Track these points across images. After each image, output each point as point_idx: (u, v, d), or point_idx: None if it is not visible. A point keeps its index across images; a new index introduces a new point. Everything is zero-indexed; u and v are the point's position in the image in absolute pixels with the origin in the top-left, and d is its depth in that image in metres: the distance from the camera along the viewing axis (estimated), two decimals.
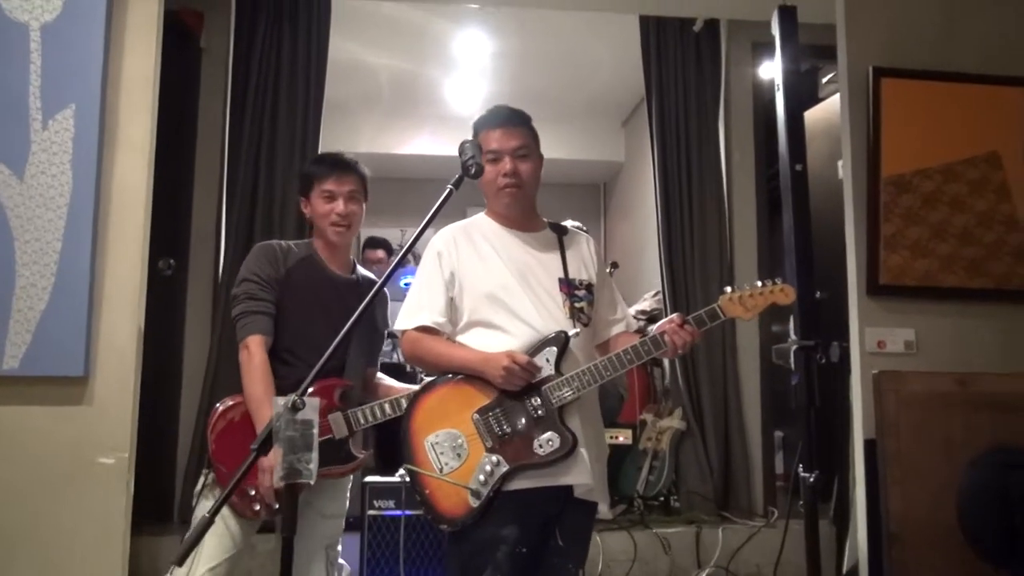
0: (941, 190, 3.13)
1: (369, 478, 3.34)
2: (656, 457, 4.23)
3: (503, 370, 2.01)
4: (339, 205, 2.48)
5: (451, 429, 2.07)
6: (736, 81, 4.63)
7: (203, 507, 2.32)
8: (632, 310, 2.56)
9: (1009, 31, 3.25)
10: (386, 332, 2.73)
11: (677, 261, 4.44)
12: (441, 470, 2.04)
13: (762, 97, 4.60)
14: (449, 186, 1.92)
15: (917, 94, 3.16)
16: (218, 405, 2.39)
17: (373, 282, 2.56)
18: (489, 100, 5.56)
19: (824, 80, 4.78)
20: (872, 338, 3.07)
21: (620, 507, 4.05)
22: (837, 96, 3.40)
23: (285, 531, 1.67)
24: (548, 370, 2.08)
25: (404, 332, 2.22)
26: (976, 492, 2.89)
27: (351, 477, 2.58)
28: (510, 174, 2.20)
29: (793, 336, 2.96)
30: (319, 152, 4.13)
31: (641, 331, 2.33)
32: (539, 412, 2.06)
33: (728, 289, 2.15)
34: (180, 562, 1.72)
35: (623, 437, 4.23)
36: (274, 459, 1.64)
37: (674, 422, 4.28)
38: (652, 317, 4.61)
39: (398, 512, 3.29)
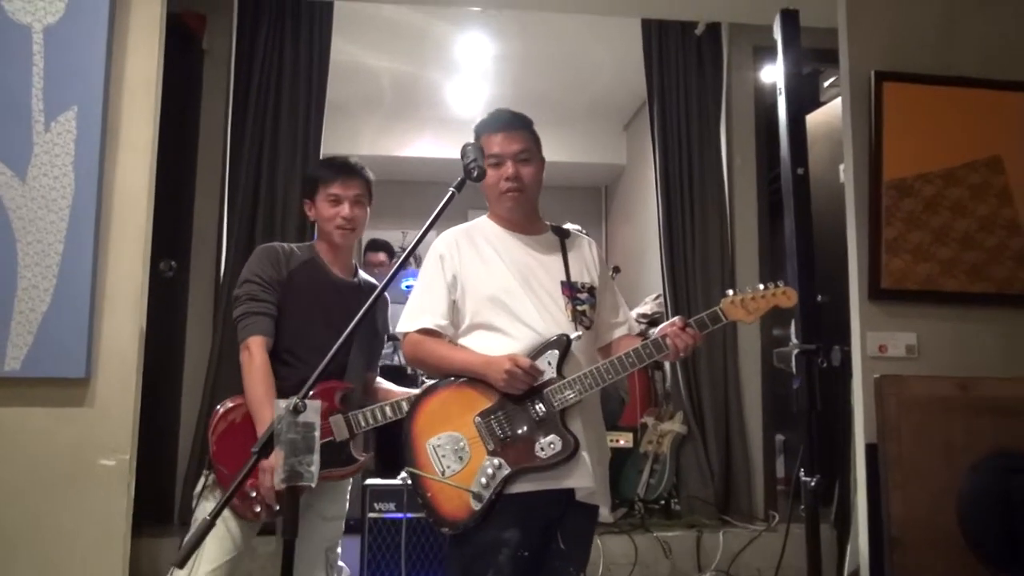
0: (943, 194, 3.13)
1: (370, 480, 3.34)
2: (657, 460, 4.22)
3: (505, 373, 2.01)
4: (344, 209, 2.49)
5: (453, 432, 2.07)
6: (738, 85, 4.64)
7: (203, 508, 2.32)
8: (633, 313, 2.56)
9: (1011, 35, 3.25)
10: (386, 336, 2.73)
11: (678, 264, 4.44)
12: (443, 473, 2.04)
13: (763, 101, 4.60)
14: (451, 189, 1.91)
15: (919, 98, 3.17)
16: (219, 407, 2.39)
17: (374, 286, 2.56)
18: (490, 103, 5.58)
19: (826, 84, 4.78)
20: (873, 342, 3.07)
21: (621, 510, 4.05)
22: (839, 100, 3.40)
23: (286, 534, 1.66)
24: (550, 373, 2.08)
25: (406, 334, 2.21)
26: (977, 496, 2.89)
27: (351, 479, 2.58)
28: (512, 178, 2.20)
29: (794, 340, 2.95)
30: (320, 154, 4.14)
31: (642, 334, 2.33)
32: (541, 415, 2.05)
33: (730, 292, 2.15)
34: (181, 564, 1.71)
35: (624, 440, 4.23)
36: (275, 460, 1.64)
37: (675, 425, 4.28)
38: (653, 320, 4.61)
39: (399, 515, 3.29)
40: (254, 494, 2.22)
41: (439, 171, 5.44)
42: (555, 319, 2.15)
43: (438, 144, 6.53)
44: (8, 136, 2.72)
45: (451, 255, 2.22)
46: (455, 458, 2.05)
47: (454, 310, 2.21)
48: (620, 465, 4.18)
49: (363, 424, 2.38)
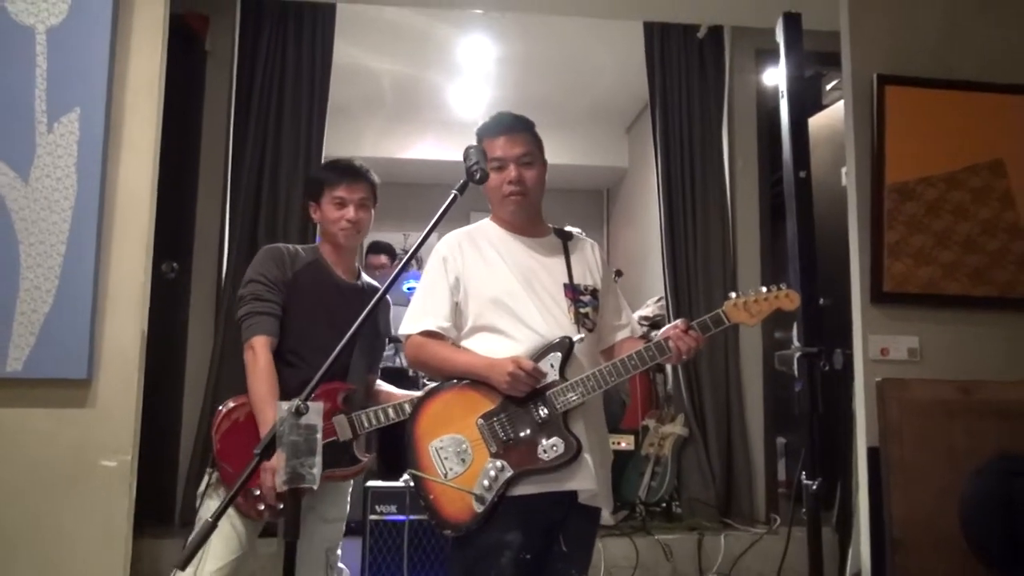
0: (945, 198, 3.13)
1: (371, 482, 3.34)
2: (658, 463, 4.22)
3: (508, 376, 2.01)
4: (349, 212, 2.50)
5: (455, 434, 2.06)
6: (740, 87, 4.64)
7: (207, 507, 2.32)
8: (635, 316, 2.56)
9: (1013, 38, 3.25)
10: (387, 338, 2.74)
11: (680, 267, 4.44)
12: (445, 475, 2.04)
13: (766, 104, 4.60)
14: (454, 191, 1.91)
15: (921, 102, 3.17)
16: (221, 406, 2.39)
17: (377, 289, 2.57)
18: (493, 105, 5.57)
19: (828, 87, 4.78)
20: (875, 345, 3.07)
21: (622, 513, 4.05)
22: (841, 103, 3.40)
23: (288, 535, 1.67)
24: (553, 375, 2.08)
25: (408, 336, 2.21)
26: (980, 500, 2.88)
27: (352, 481, 2.59)
28: (515, 181, 2.20)
29: (796, 343, 2.95)
30: (322, 156, 4.15)
31: (645, 337, 2.33)
32: (543, 417, 2.05)
33: (733, 295, 2.15)
34: (183, 565, 1.72)
35: (625, 443, 4.23)
36: (276, 461, 1.64)
37: (676, 428, 4.28)
38: (655, 323, 4.61)
39: (400, 517, 3.29)
40: (258, 492, 2.22)
41: (441, 173, 5.46)
42: (558, 321, 2.15)
43: (440, 146, 6.54)
44: (11, 137, 2.72)
45: (454, 257, 2.22)
46: (458, 460, 2.05)
47: (457, 312, 2.21)
48: (621, 467, 4.18)
49: (366, 425, 2.39)
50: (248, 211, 4.03)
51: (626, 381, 2.64)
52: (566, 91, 5.96)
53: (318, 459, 1.62)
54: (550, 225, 2.37)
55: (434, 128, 6.55)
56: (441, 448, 2.06)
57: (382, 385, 2.69)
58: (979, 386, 3.00)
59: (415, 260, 2.01)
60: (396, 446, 2.26)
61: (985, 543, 2.87)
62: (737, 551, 3.83)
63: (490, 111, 2.35)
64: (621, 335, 2.33)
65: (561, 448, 2.03)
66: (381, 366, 2.74)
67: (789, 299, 2.14)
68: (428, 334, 2.19)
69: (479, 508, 2.00)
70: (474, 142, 2.20)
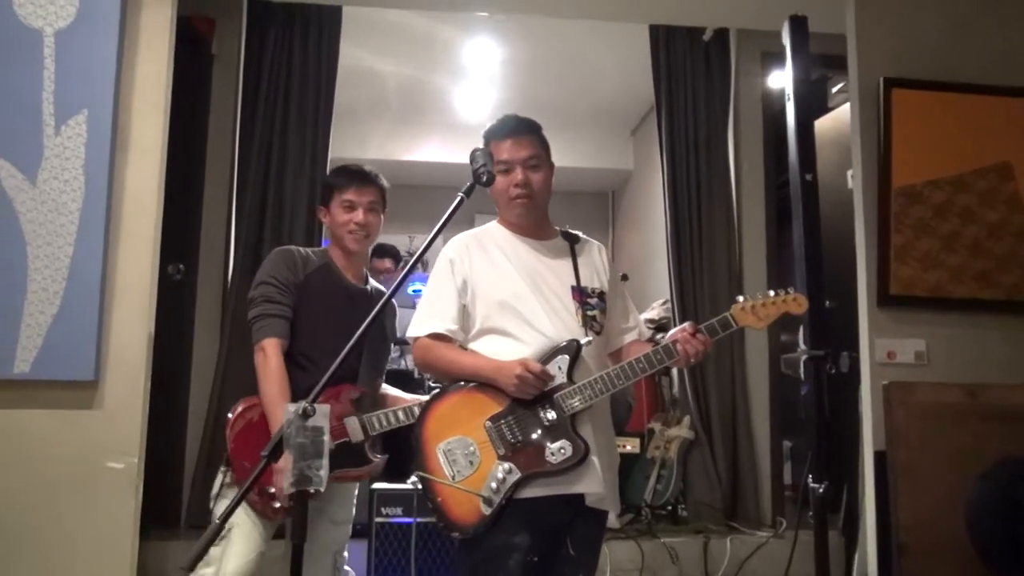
0: (952, 201, 3.13)
1: (377, 485, 3.34)
2: (664, 466, 4.22)
3: (516, 378, 2.01)
4: (358, 215, 2.50)
5: (463, 436, 2.06)
6: (745, 90, 4.64)
7: (222, 507, 2.32)
8: (641, 318, 2.55)
9: (1018, 41, 3.24)
10: (392, 342, 2.75)
11: (686, 270, 4.43)
12: (453, 477, 2.04)
13: (771, 106, 4.60)
14: (460, 194, 1.92)
15: (927, 105, 3.16)
16: (236, 406, 2.40)
17: (383, 294, 2.57)
18: (498, 108, 5.59)
19: (834, 90, 4.78)
20: (882, 349, 3.06)
21: (627, 516, 4.04)
22: (847, 106, 3.40)
23: (295, 537, 1.67)
24: (560, 378, 2.07)
25: (416, 339, 2.21)
26: (986, 503, 2.87)
27: (358, 484, 2.59)
28: (521, 184, 2.20)
29: (803, 346, 2.96)
30: (328, 158, 4.16)
31: (652, 340, 2.33)
32: (551, 420, 2.05)
33: (740, 298, 2.14)
34: (191, 567, 1.71)
35: (631, 446, 4.22)
36: (284, 463, 1.65)
37: (682, 431, 4.27)
38: (661, 325, 4.61)
39: (406, 519, 3.28)
40: (272, 490, 2.23)
41: (447, 176, 5.47)
42: (565, 324, 2.15)
43: (445, 149, 6.54)
44: (19, 139, 2.73)
45: (461, 260, 2.22)
46: (465, 462, 2.04)
47: (464, 315, 2.21)
48: (627, 470, 4.17)
49: (376, 427, 2.40)
50: (254, 213, 4.03)
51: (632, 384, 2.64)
52: (571, 93, 5.96)
53: (325, 461, 1.63)
54: (557, 228, 2.37)
55: (439, 130, 6.55)
56: (449, 450, 2.06)
57: (388, 389, 2.70)
58: (985, 390, 2.99)
59: (421, 263, 2.01)
60: (403, 449, 2.26)
61: (990, 546, 2.86)
62: (743, 555, 3.82)
63: (495, 113, 2.35)
64: (628, 338, 2.33)
65: (569, 451, 2.03)
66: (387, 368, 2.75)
67: (797, 303, 2.14)
68: (436, 336, 2.18)
69: (487, 510, 2.00)
70: (480, 144, 2.21)
